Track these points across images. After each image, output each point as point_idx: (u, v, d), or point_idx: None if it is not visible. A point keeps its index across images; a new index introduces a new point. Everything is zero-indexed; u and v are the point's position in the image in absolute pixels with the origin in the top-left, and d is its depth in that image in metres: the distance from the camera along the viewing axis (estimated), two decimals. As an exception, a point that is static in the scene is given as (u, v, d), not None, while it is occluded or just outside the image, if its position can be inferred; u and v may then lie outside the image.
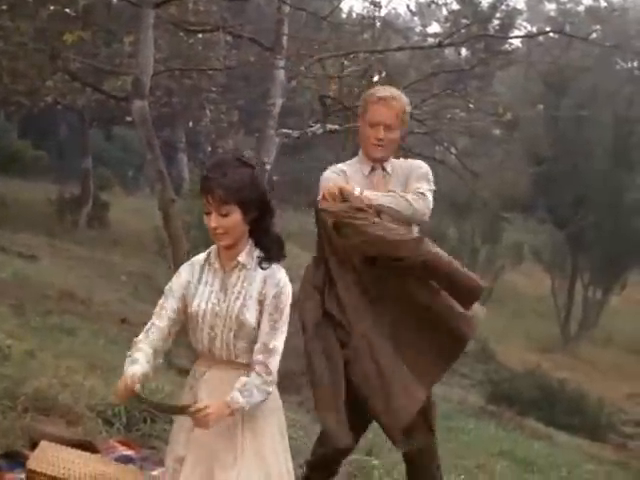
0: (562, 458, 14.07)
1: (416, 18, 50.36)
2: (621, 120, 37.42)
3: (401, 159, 5.16)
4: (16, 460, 4.83)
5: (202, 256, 3.93)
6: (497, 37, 29.69)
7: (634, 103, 39.52)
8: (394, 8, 77.88)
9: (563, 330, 37.74)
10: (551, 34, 23.06)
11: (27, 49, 14.17)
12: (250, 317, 3.75)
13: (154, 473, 3.70)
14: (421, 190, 4.88)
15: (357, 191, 4.79)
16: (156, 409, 3.82)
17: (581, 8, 50.32)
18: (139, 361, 3.70)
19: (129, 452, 5.48)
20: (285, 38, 12.26)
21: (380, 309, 4.74)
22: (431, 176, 5.02)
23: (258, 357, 3.73)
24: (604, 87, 38.49)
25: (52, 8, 14.65)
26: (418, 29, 47.80)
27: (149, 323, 3.86)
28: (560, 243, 39.11)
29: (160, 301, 3.90)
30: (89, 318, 13.72)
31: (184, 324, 3.89)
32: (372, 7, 16.47)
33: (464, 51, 34.46)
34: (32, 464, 3.43)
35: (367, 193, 4.81)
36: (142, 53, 11.14)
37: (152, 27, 11.30)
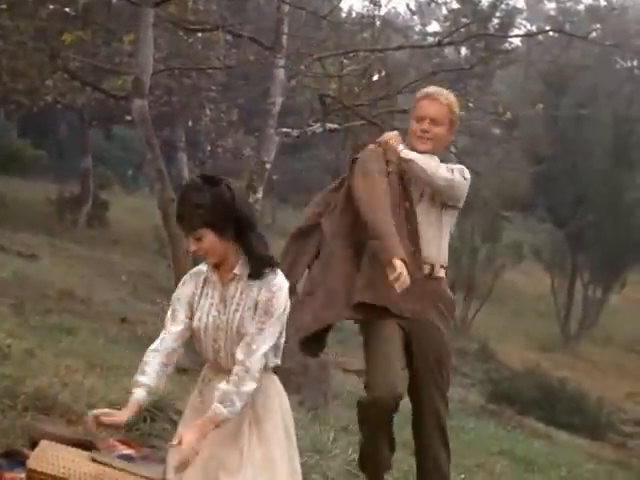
0: (562, 457, 14.07)
1: (416, 17, 50.42)
2: (621, 119, 37.40)
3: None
4: (16, 459, 4.82)
5: (204, 267, 3.90)
6: (497, 36, 29.62)
7: (634, 102, 39.52)
8: (394, 7, 78.06)
9: (563, 329, 37.73)
10: (551, 33, 23.09)
11: (27, 48, 14.16)
12: (250, 326, 3.74)
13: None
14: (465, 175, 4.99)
15: (400, 147, 4.96)
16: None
17: (581, 7, 50.29)
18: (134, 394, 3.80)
19: (129, 451, 5.48)
20: (285, 37, 12.24)
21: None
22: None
23: (239, 356, 3.70)
24: (604, 86, 38.49)
25: (52, 7, 14.66)
26: (418, 28, 47.88)
27: (162, 332, 3.90)
28: (560, 242, 39.10)
29: (169, 310, 3.92)
30: (89, 317, 13.72)
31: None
32: (372, 6, 16.46)
33: (464, 50, 34.43)
34: (32, 463, 3.43)
35: (407, 152, 4.95)
36: (142, 52, 11.14)
37: (152, 26, 11.31)
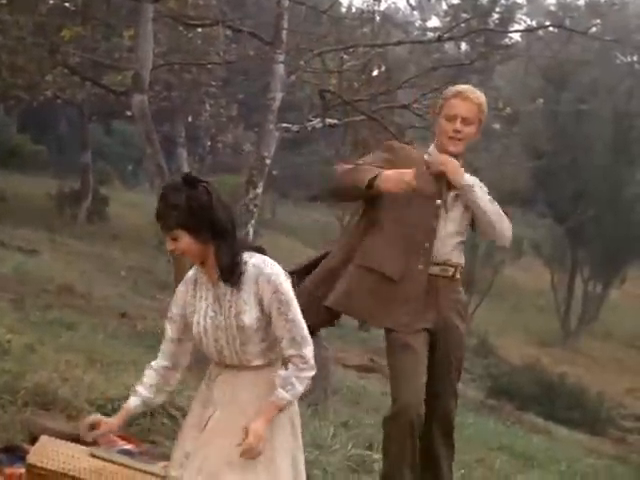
0: (561, 452, 14.08)
1: (416, 12, 50.25)
2: (621, 114, 37.41)
3: None
4: (16, 454, 4.83)
5: (191, 273, 3.91)
6: (497, 31, 29.61)
7: (634, 97, 39.52)
8: (394, 2, 77.72)
9: (563, 324, 37.77)
10: (551, 28, 23.03)
11: (26, 43, 14.15)
12: (248, 320, 3.72)
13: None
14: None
15: (461, 172, 4.89)
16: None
17: (581, 2, 50.19)
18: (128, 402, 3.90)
19: (129, 446, 5.48)
20: (285, 32, 12.21)
21: None
22: None
23: (290, 352, 3.71)
24: (604, 81, 38.50)
25: (51, 2, 14.67)
26: (418, 23, 47.83)
27: (160, 349, 3.97)
28: (560, 237, 39.12)
29: (166, 328, 3.97)
30: (89, 312, 13.72)
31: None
32: (372, 1, 16.51)
33: (464, 45, 34.50)
34: (32, 458, 3.43)
35: (468, 177, 4.91)
36: (141, 47, 11.14)
37: (151, 21, 11.30)
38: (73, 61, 15.44)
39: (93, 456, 3.54)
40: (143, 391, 3.88)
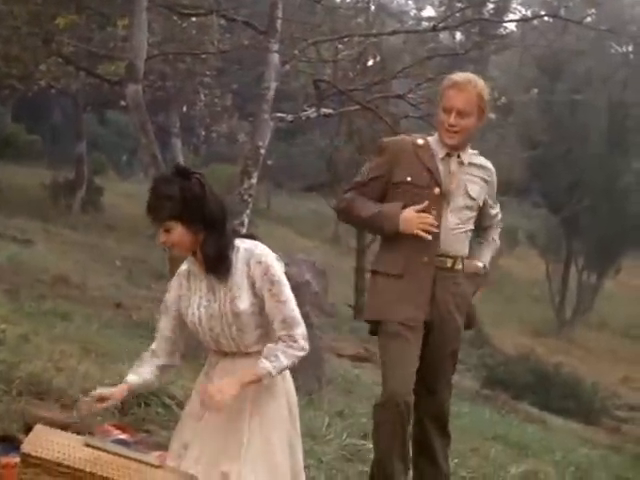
0: (556, 442, 14.09)
1: (410, 2, 50.19)
2: (616, 104, 37.42)
3: (470, 150, 5.02)
4: (11, 444, 4.83)
5: (184, 267, 3.93)
6: (492, 21, 29.65)
7: (629, 87, 39.50)
8: (388, -8, 77.55)
9: (558, 314, 37.82)
10: (546, 18, 23.05)
11: (20, 33, 14.12)
12: (243, 304, 3.73)
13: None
14: (496, 210, 5.34)
15: (480, 265, 5.18)
16: None
17: (576, -8, 50.12)
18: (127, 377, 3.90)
19: (124, 436, 5.48)
20: (279, 22, 12.19)
21: None
22: None
23: (281, 332, 3.72)
24: (599, 71, 38.47)
25: (46, -9, 14.60)
26: (412, 13, 47.69)
27: (155, 339, 3.99)
28: (555, 227, 39.14)
29: (160, 320, 3.98)
30: (83, 302, 13.71)
31: (188, 333, 3.95)
32: (366, -9, 16.43)
33: (459, 35, 34.43)
34: (26, 448, 3.42)
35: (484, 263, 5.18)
36: (136, 37, 11.12)
37: (145, 10, 11.28)
38: (67, 51, 15.42)
39: (88, 445, 3.53)
40: (139, 370, 3.92)
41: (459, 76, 4.89)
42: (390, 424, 4.75)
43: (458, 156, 4.92)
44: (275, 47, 12.04)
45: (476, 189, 4.95)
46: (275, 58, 12.03)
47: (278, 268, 3.76)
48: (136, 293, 17.00)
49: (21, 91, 22.44)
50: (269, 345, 3.71)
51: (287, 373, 3.89)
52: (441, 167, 4.88)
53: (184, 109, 27.52)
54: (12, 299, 11.38)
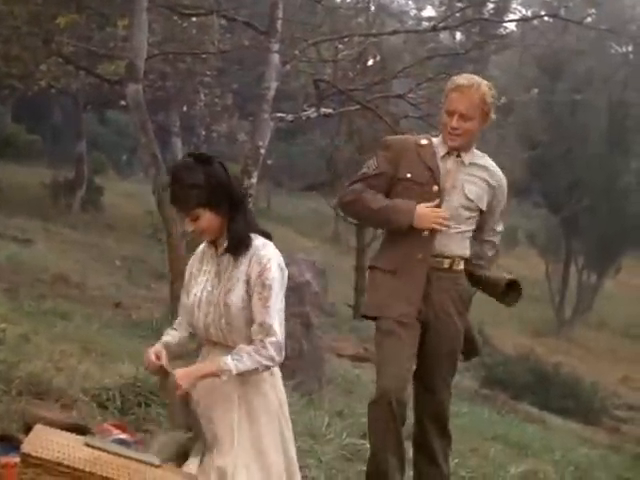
0: (556, 442, 14.08)
1: (410, 2, 50.19)
2: (616, 104, 37.39)
3: (477, 152, 5.02)
4: (11, 444, 4.83)
5: (201, 247, 3.96)
6: (492, 21, 29.62)
7: (629, 87, 39.49)
8: (389, -8, 77.53)
9: (557, 314, 37.80)
10: (546, 18, 23.05)
11: (21, 33, 14.13)
12: (235, 299, 3.74)
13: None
14: (500, 228, 5.33)
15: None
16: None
17: (576, -8, 50.12)
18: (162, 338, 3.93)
19: (124, 435, 5.48)
20: (279, 22, 12.21)
21: None
22: None
23: (255, 336, 3.71)
24: (599, 71, 38.46)
25: (46, -9, 14.61)
26: (413, 13, 47.71)
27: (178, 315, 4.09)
28: (554, 227, 39.13)
29: (181, 296, 4.04)
30: (83, 302, 13.69)
31: None
32: (366, -9, 16.45)
33: (459, 35, 34.44)
34: (26, 448, 3.42)
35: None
36: (136, 37, 11.14)
37: (146, 10, 11.30)
38: (67, 50, 15.43)
39: (88, 445, 3.53)
40: (173, 334, 3.99)
41: (462, 79, 4.88)
42: (383, 421, 4.76)
43: (458, 155, 4.92)
44: (275, 47, 12.06)
45: (474, 190, 4.94)
46: (275, 58, 12.05)
47: (276, 274, 3.74)
48: (136, 293, 16.99)
49: (21, 91, 22.45)
50: (241, 345, 3.70)
51: (276, 369, 3.89)
52: (441, 166, 4.90)
53: (184, 109, 27.53)
54: (12, 298, 11.37)
